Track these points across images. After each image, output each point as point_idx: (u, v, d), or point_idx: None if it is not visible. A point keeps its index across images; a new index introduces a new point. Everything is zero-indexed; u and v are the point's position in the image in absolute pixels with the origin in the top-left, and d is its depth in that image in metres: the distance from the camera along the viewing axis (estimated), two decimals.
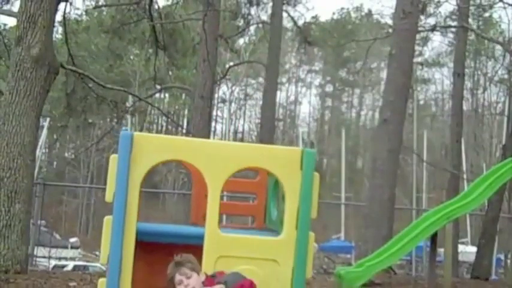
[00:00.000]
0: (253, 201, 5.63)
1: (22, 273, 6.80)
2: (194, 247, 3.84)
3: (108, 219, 3.24)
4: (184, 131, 30.63)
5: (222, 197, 3.56)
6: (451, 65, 27.81)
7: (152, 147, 3.33)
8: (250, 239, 3.38)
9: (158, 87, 21.60)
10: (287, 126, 58.37)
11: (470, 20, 20.11)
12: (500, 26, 32.78)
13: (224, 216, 14.73)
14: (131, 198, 3.24)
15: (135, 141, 3.28)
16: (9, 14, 12.08)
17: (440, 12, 24.79)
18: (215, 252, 3.21)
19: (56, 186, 27.65)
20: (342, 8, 54.00)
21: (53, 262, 16.82)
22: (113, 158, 3.30)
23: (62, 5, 10.25)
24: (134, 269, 3.73)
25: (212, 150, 3.37)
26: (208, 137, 14.30)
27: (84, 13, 25.05)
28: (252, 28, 32.60)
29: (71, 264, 20.54)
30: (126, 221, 3.22)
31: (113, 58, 32.57)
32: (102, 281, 3.22)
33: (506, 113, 21.70)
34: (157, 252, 3.81)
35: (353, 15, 50.25)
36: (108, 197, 3.28)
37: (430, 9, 20.51)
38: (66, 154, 48.65)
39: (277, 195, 4.19)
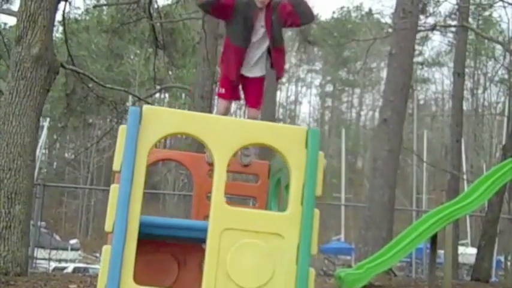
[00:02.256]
0: (253, 204, 5.62)
1: (22, 275, 6.77)
2: (193, 245, 3.84)
3: (114, 187, 3.25)
4: None
5: None
6: (451, 64, 27.85)
7: (161, 120, 3.36)
8: (255, 213, 3.44)
9: (158, 87, 21.56)
10: None
11: (470, 19, 20.10)
12: (500, 25, 32.78)
13: None
14: (138, 167, 3.27)
15: (144, 113, 3.32)
16: (9, 13, 12.10)
17: (440, 11, 24.73)
18: (221, 224, 3.21)
19: (55, 187, 27.61)
20: (342, 7, 53.98)
21: (53, 264, 16.79)
22: (122, 129, 3.34)
23: (61, 5, 10.24)
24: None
25: (219, 125, 3.40)
26: None
27: (84, 12, 25.06)
28: None
29: (71, 266, 20.51)
30: (133, 190, 3.22)
31: (113, 58, 32.58)
32: (107, 248, 3.24)
33: (506, 113, 21.69)
34: (155, 249, 3.81)
35: (353, 14, 50.28)
36: (116, 165, 3.31)
37: (430, 8, 20.51)
38: (66, 154, 48.64)
39: (278, 197, 4.21)
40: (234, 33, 4.50)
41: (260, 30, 4.48)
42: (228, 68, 4.63)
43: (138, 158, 3.27)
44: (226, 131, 3.36)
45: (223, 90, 4.67)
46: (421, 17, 16.81)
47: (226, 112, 4.72)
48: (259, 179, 4.55)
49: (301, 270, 3.19)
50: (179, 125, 3.42)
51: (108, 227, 3.23)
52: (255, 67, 4.66)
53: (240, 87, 4.77)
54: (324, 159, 3.50)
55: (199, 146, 6.69)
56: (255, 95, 4.75)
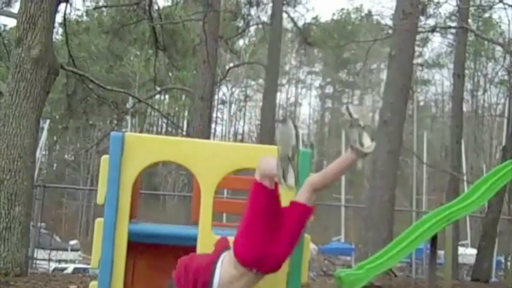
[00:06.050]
0: None
1: (22, 275, 6.79)
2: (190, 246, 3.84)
3: (99, 222, 3.22)
4: (184, 132, 30.62)
5: (222, 195, 3.53)
6: (451, 66, 27.76)
7: (144, 148, 3.28)
8: None
9: (158, 88, 21.56)
10: None
11: (470, 20, 20.10)
12: (500, 26, 32.71)
13: (224, 215, 14.69)
14: (123, 199, 3.21)
15: (127, 142, 3.24)
16: (9, 15, 12.09)
17: (440, 13, 24.76)
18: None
19: (55, 189, 27.59)
20: (342, 9, 53.96)
21: (53, 265, 16.80)
22: (104, 159, 3.26)
23: (62, 6, 10.25)
24: (134, 269, 3.72)
25: (204, 151, 3.32)
26: (209, 139, 14.30)
27: (84, 14, 25.04)
28: (252, 29, 32.58)
29: (71, 267, 20.49)
30: (118, 223, 3.18)
31: (113, 59, 32.55)
32: (93, 285, 3.19)
33: (506, 114, 21.66)
34: (157, 250, 3.81)
35: (353, 16, 50.19)
36: (100, 199, 3.24)
37: (430, 10, 20.51)
38: (66, 156, 48.61)
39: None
40: None
41: None
42: None
43: (122, 189, 3.20)
44: (213, 157, 3.27)
45: None
46: (421, 18, 16.81)
47: None
48: None
49: None
50: (163, 152, 3.32)
51: (93, 263, 3.21)
52: None
53: None
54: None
55: None
56: None
